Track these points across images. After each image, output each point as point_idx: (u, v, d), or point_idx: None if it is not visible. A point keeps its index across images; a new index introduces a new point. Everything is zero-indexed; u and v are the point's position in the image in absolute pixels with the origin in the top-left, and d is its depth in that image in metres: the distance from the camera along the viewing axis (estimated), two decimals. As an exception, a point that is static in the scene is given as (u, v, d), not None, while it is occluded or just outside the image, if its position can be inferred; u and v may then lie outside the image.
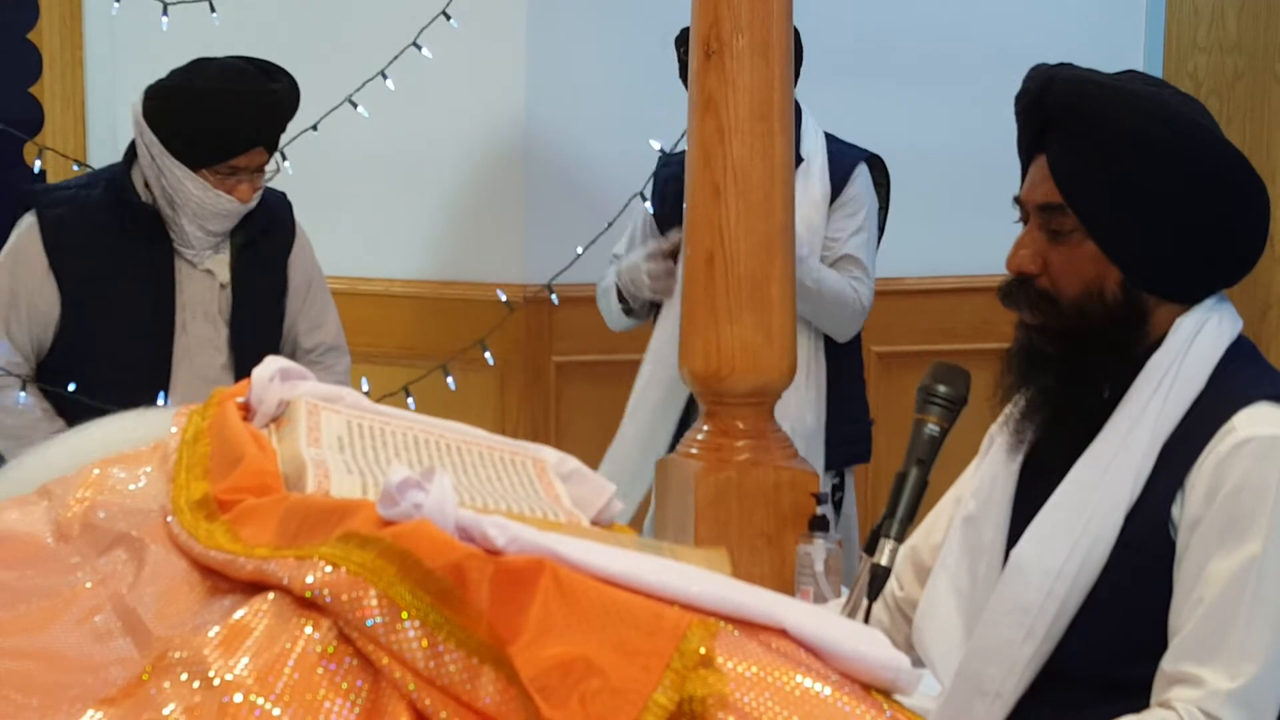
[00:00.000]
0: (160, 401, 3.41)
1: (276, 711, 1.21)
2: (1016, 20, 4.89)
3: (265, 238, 3.63)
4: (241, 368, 3.48)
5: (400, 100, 4.22)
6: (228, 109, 3.42)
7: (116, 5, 4.31)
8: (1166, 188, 2.08)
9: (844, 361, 4.09)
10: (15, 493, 1.68)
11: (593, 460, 1.75)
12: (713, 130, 2.89)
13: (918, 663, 2.20)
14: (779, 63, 2.90)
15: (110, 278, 3.48)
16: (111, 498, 1.61)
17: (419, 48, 4.20)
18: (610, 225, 4.17)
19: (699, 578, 1.30)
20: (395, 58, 4.18)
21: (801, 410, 3.93)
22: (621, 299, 4.04)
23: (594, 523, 1.63)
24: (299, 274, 3.71)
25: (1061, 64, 2.18)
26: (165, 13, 4.27)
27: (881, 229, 4.17)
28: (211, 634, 1.28)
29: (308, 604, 1.29)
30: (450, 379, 4.20)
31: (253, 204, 3.52)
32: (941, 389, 2.12)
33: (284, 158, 3.77)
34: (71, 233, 3.49)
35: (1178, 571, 2.05)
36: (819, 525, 2.84)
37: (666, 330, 3.82)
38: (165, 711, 1.23)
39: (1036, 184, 2.15)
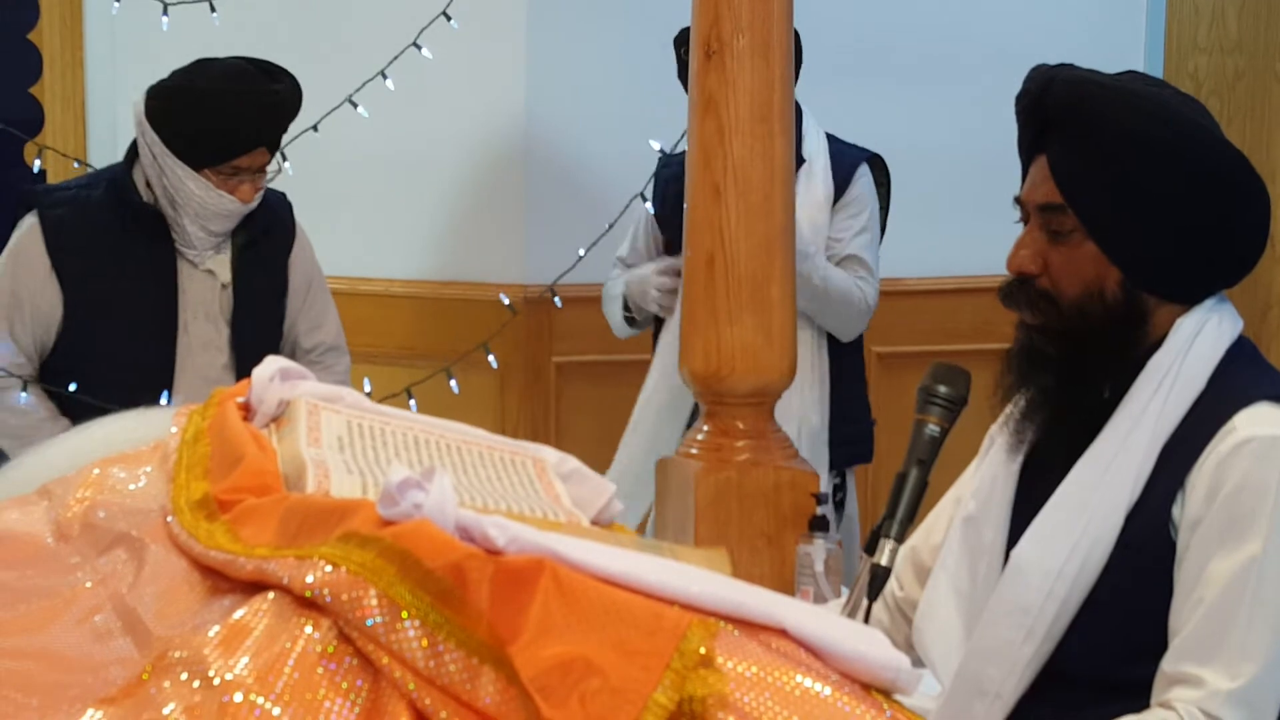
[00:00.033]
0: (163, 402, 3.41)
1: (276, 711, 1.21)
2: (1016, 20, 4.89)
3: (266, 238, 3.63)
4: (242, 368, 3.48)
5: (400, 100, 4.22)
6: (230, 109, 3.42)
7: (117, 5, 4.31)
8: (1167, 188, 2.08)
9: (846, 362, 4.09)
10: (15, 493, 1.68)
11: (592, 460, 1.75)
12: (713, 131, 2.89)
13: (918, 663, 2.20)
14: (779, 63, 2.90)
15: (113, 278, 3.48)
16: (111, 497, 1.61)
17: (419, 48, 4.20)
18: (611, 227, 4.17)
19: (699, 578, 1.30)
20: (395, 58, 4.18)
21: (806, 410, 3.95)
22: (625, 308, 4.05)
23: (594, 523, 1.63)
24: (299, 274, 3.71)
25: (1062, 64, 2.18)
26: (165, 13, 4.27)
27: (882, 229, 4.18)
28: (211, 634, 1.28)
29: (308, 604, 1.29)
30: (454, 382, 4.20)
31: (254, 204, 3.52)
32: (942, 389, 2.12)
33: (284, 158, 3.77)
34: (73, 233, 3.49)
35: (1178, 572, 2.05)
36: (819, 525, 2.84)
37: (672, 338, 3.83)
38: (165, 711, 1.23)
39: (1037, 184, 2.15)
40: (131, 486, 1.62)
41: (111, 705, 1.26)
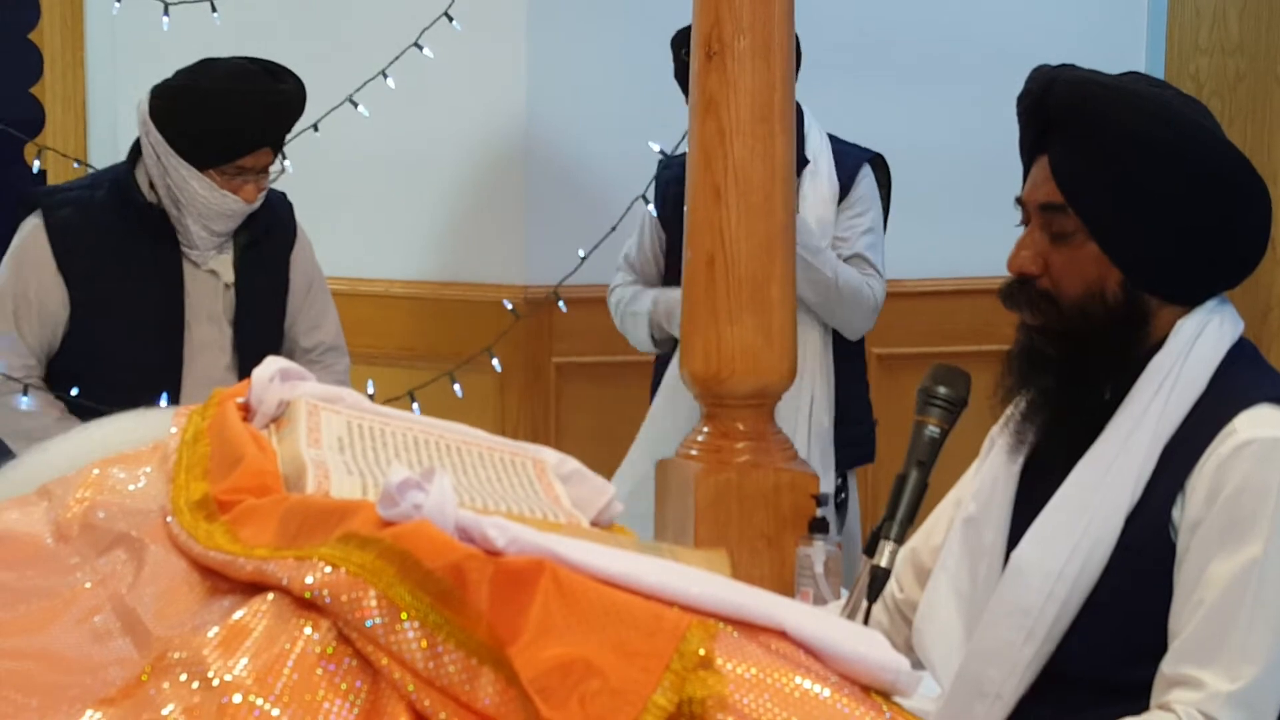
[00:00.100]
0: (163, 403, 3.41)
1: (275, 712, 1.21)
2: (1017, 21, 4.89)
3: (268, 238, 3.63)
4: (245, 368, 3.47)
5: (401, 100, 4.22)
6: (234, 109, 3.42)
7: (117, 5, 4.31)
8: (1168, 189, 2.08)
9: (848, 363, 4.10)
10: (15, 493, 1.68)
11: (592, 461, 1.75)
12: (714, 132, 2.89)
13: (917, 664, 2.20)
14: (780, 64, 2.90)
15: (118, 279, 3.48)
16: (111, 498, 1.60)
17: (420, 48, 4.19)
18: (614, 229, 4.17)
19: (699, 579, 1.30)
20: (396, 58, 4.18)
21: (817, 411, 3.96)
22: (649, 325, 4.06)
23: (594, 524, 1.63)
24: (300, 274, 3.71)
25: (1064, 65, 2.18)
26: (166, 13, 4.27)
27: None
28: (211, 634, 1.28)
29: (307, 604, 1.29)
30: (457, 386, 4.20)
31: (257, 204, 3.52)
32: (942, 391, 2.12)
33: (284, 157, 3.77)
34: (78, 234, 3.48)
35: (1178, 573, 2.05)
36: (819, 527, 2.84)
37: None
38: (164, 712, 1.23)
39: (1038, 185, 2.15)
40: (131, 487, 1.62)
41: (111, 706, 1.26)
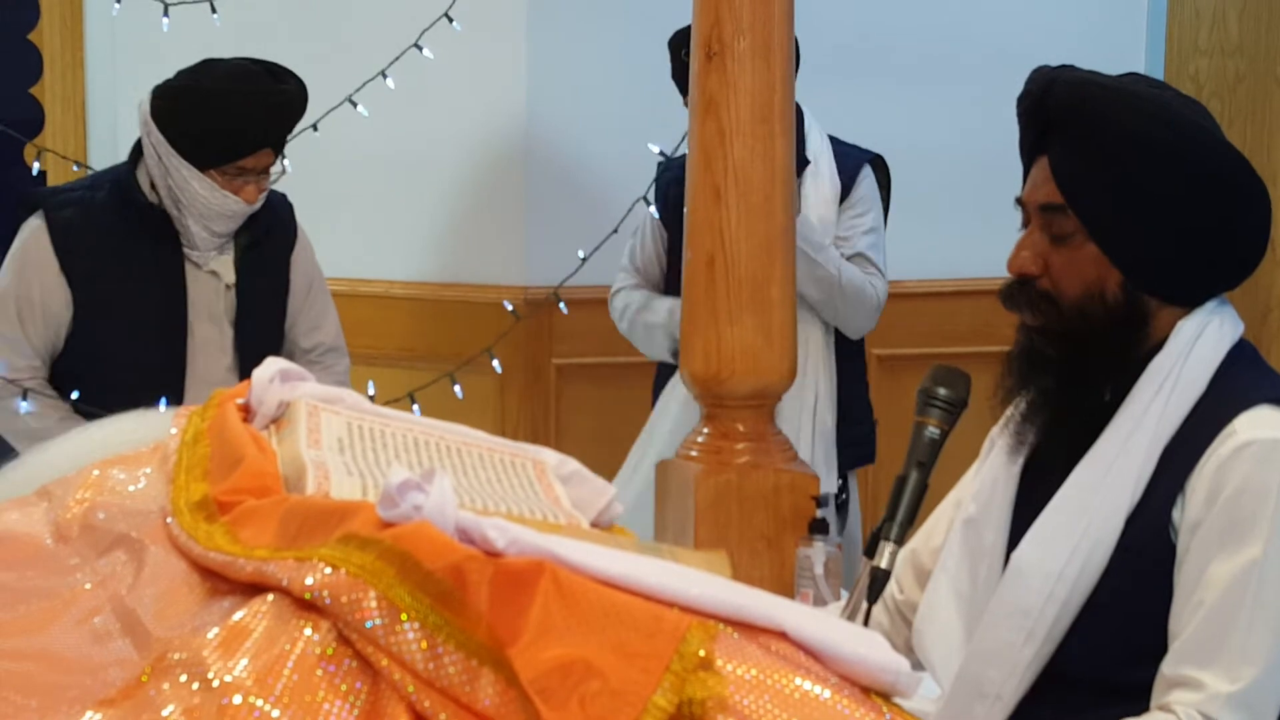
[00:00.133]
0: (163, 405, 3.40)
1: (275, 713, 1.21)
2: (1016, 21, 4.89)
3: (269, 238, 3.63)
4: (246, 370, 3.46)
5: (401, 101, 4.22)
6: (236, 110, 3.42)
7: (117, 6, 4.31)
8: (1168, 190, 2.08)
9: (849, 363, 4.11)
10: (15, 493, 1.68)
11: (592, 462, 1.75)
12: (714, 132, 2.89)
13: (917, 666, 2.20)
14: (780, 65, 2.90)
15: (120, 280, 3.48)
16: (111, 499, 1.60)
17: (420, 49, 4.19)
18: (616, 230, 4.17)
19: (699, 580, 1.30)
20: (396, 58, 4.18)
21: (821, 411, 3.97)
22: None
23: (594, 525, 1.63)
24: (300, 275, 3.71)
25: (1063, 66, 2.18)
26: (166, 13, 4.27)
27: (883, 230, 4.20)
28: (211, 635, 1.28)
29: (307, 605, 1.29)
30: (457, 387, 4.20)
31: (258, 205, 3.52)
32: (941, 392, 2.12)
33: (283, 158, 3.76)
34: (81, 235, 3.49)
35: (1178, 575, 2.05)
36: (819, 528, 2.84)
37: None
38: (164, 713, 1.23)
39: (1038, 185, 2.15)
40: (131, 488, 1.62)
41: (110, 707, 1.26)
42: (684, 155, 3.14)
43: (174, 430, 1.68)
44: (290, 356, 3.61)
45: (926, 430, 2.11)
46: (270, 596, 1.31)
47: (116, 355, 3.48)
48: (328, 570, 1.29)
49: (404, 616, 1.24)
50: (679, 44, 3.97)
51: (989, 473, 2.25)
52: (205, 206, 3.46)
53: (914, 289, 4.78)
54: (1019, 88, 2.19)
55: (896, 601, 2.37)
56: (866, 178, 4.10)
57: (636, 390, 4.36)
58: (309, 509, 1.42)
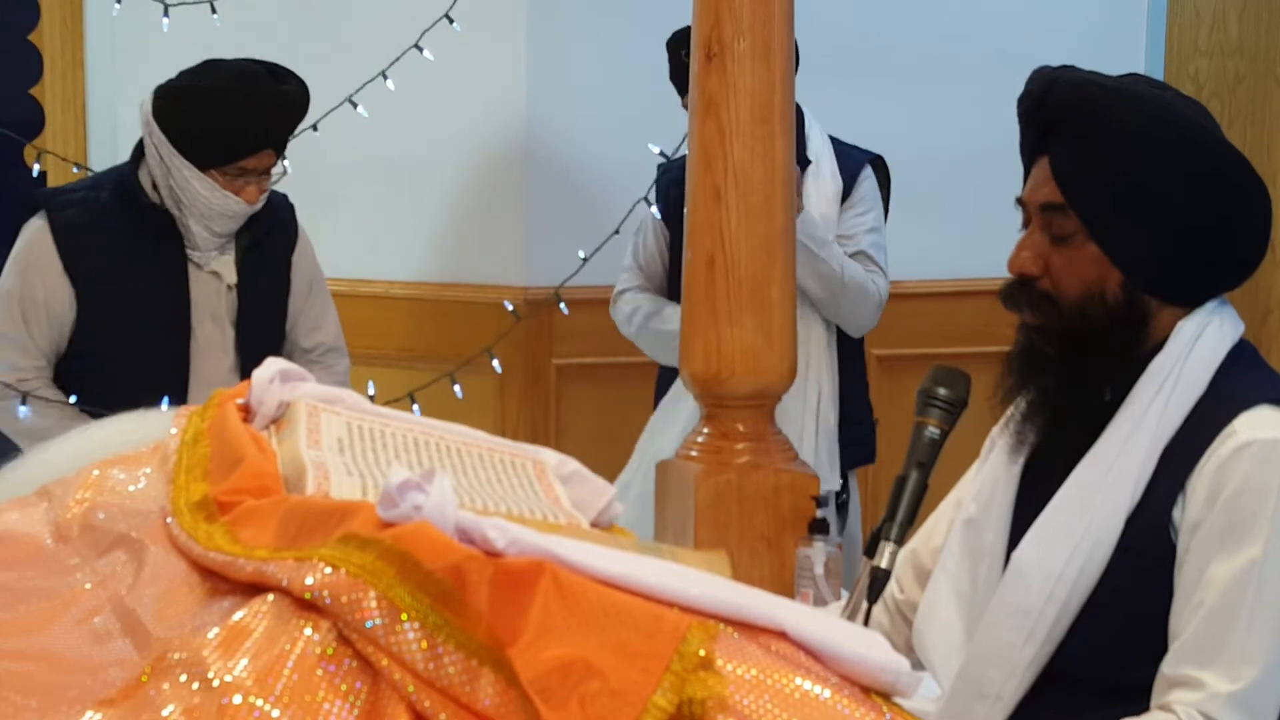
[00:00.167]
0: (164, 405, 3.41)
1: (276, 713, 1.21)
2: (1016, 21, 4.89)
3: (270, 239, 3.63)
4: (247, 370, 3.46)
5: (401, 101, 4.22)
6: (237, 110, 3.42)
7: (117, 7, 4.31)
8: (1169, 190, 2.08)
9: (848, 363, 4.12)
10: (15, 494, 1.68)
11: (592, 462, 1.75)
12: (713, 133, 2.89)
13: (918, 665, 2.20)
14: (780, 65, 2.90)
15: (123, 280, 3.48)
16: (111, 499, 1.60)
17: (420, 50, 4.19)
18: (617, 231, 4.16)
19: (699, 580, 1.30)
20: (396, 59, 4.18)
21: (824, 408, 3.98)
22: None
23: (594, 525, 1.63)
24: (301, 275, 3.71)
25: (1064, 66, 2.18)
26: (166, 14, 4.27)
27: (882, 232, 4.20)
28: (211, 635, 1.28)
29: (307, 605, 1.29)
30: (458, 387, 4.19)
31: (259, 205, 3.53)
32: (941, 392, 2.12)
33: (284, 158, 3.76)
34: (84, 235, 3.49)
35: (1178, 575, 2.05)
36: (819, 528, 2.84)
37: None
38: (164, 713, 1.23)
39: (1039, 185, 2.15)
40: (131, 488, 1.62)
41: (110, 707, 1.26)
42: (684, 156, 3.14)
43: (174, 430, 1.68)
44: (290, 356, 3.61)
45: (926, 430, 2.11)
46: (270, 596, 1.31)
47: (120, 356, 3.48)
48: (328, 570, 1.29)
49: (404, 616, 1.24)
50: (677, 44, 3.98)
51: (989, 473, 2.25)
52: (206, 207, 3.46)
53: (914, 289, 4.78)
54: (1019, 88, 2.19)
55: (897, 601, 2.37)
56: (868, 178, 4.11)
57: (637, 390, 4.36)
58: (309, 509, 1.42)
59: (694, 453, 2.97)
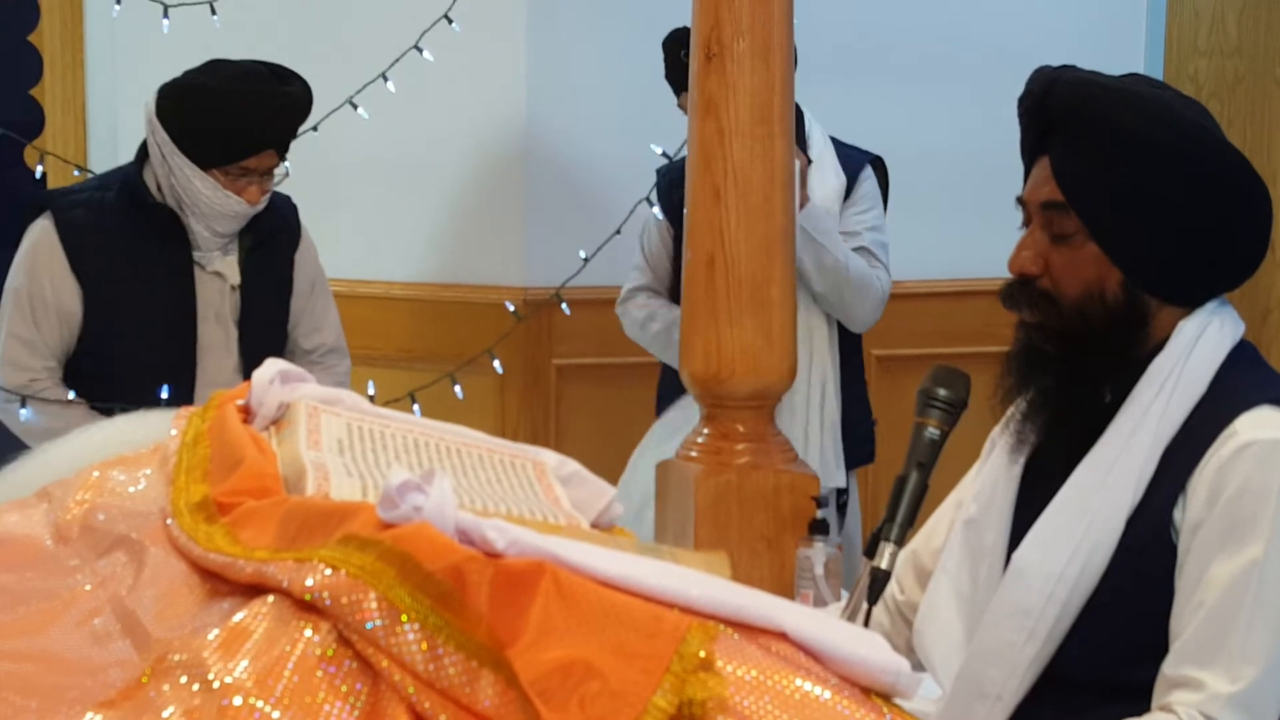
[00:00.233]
0: (165, 404, 3.41)
1: (276, 714, 1.21)
2: (1016, 22, 4.90)
3: (273, 240, 3.64)
4: (250, 371, 3.47)
5: (401, 102, 4.22)
6: (240, 110, 3.43)
7: (117, 7, 4.31)
8: (1169, 190, 2.08)
9: (848, 362, 4.12)
10: (15, 495, 1.68)
11: (592, 463, 1.75)
12: (713, 133, 2.89)
13: (918, 666, 2.20)
14: (779, 66, 2.90)
15: (129, 279, 3.49)
16: (111, 500, 1.60)
17: (420, 51, 4.19)
18: (619, 231, 4.16)
19: (699, 581, 1.30)
20: (396, 60, 4.18)
21: (829, 404, 3.99)
22: None
23: (594, 526, 1.63)
24: (303, 276, 3.72)
25: (1065, 66, 2.18)
26: (166, 15, 4.27)
27: (881, 232, 4.20)
28: (211, 636, 1.28)
29: (307, 607, 1.29)
30: (458, 387, 4.19)
31: (261, 206, 3.53)
32: (941, 392, 2.12)
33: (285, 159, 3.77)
34: (90, 234, 3.49)
35: (1179, 575, 2.05)
36: (819, 529, 2.83)
37: None
38: (164, 714, 1.23)
39: (1039, 185, 2.15)
40: (131, 489, 1.62)
41: (110, 708, 1.26)
42: (684, 157, 3.14)
43: (174, 431, 1.68)
44: (291, 357, 3.61)
45: (926, 431, 2.11)
46: (270, 598, 1.31)
47: (126, 355, 3.49)
48: (328, 571, 1.29)
49: (404, 617, 1.24)
50: (673, 44, 3.99)
51: (990, 473, 2.25)
52: (208, 206, 3.47)
53: (914, 289, 4.78)
54: (1019, 88, 2.19)
55: (897, 602, 2.37)
56: (869, 177, 4.13)
57: (637, 391, 4.37)
58: (309, 510, 1.42)
59: (694, 453, 2.97)
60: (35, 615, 1.45)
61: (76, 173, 4.40)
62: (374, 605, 1.25)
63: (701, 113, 2.91)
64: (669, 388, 4.04)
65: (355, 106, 4.19)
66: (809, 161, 3.99)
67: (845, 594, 2.67)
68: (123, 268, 3.48)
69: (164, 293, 3.50)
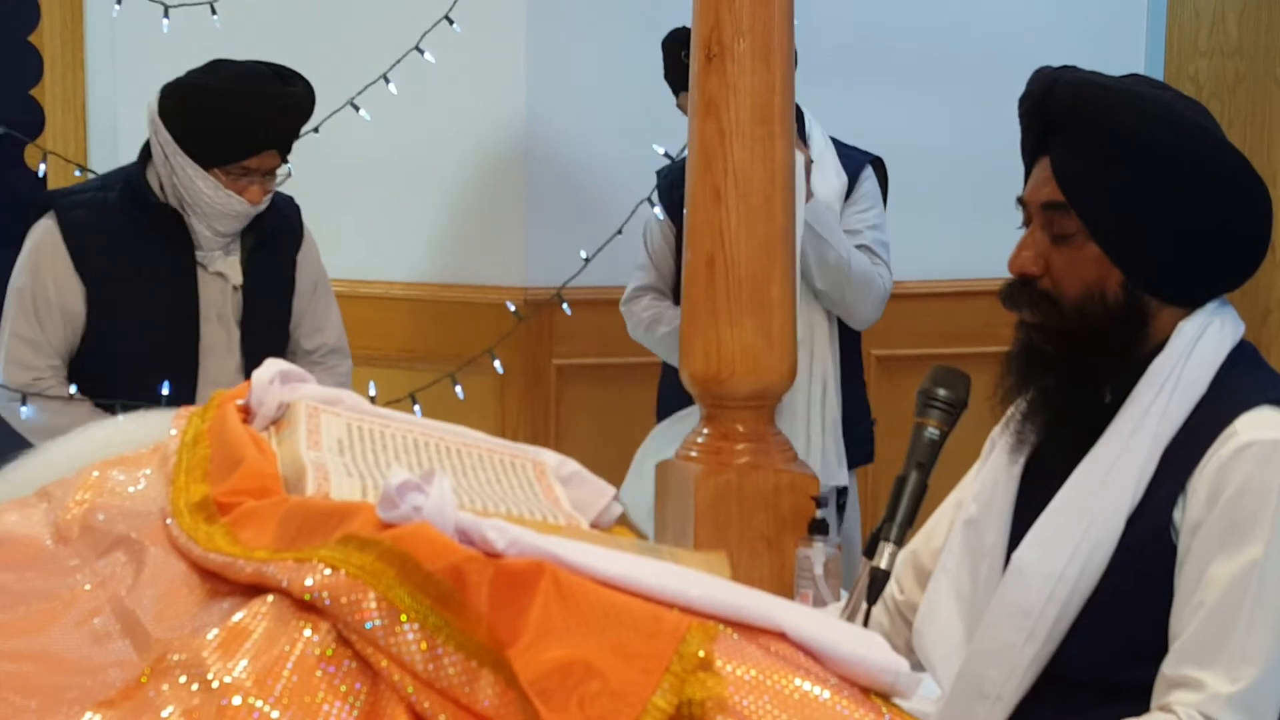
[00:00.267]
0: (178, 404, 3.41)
1: (275, 714, 1.21)
2: (1016, 22, 4.90)
3: (275, 240, 3.64)
4: (252, 371, 3.47)
5: (401, 103, 4.22)
6: (242, 109, 3.43)
7: (117, 8, 4.31)
8: (1169, 190, 2.08)
9: (847, 362, 4.12)
10: (15, 495, 1.68)
11: (592, 463, 1.75)
12: (713, 133, 2.89)
13: (917, 666, 2.20)
14: (780, 66, 2.90)
15: (132, 279, 3.49)
16: (111, 500, 1.61)
17: (421, 52, 4.19)
18: (620, 231, 4.16)
19: (698, 581, 1.30)
20: (397, 62, 4.18)
21: (830, 401, 3.99)
22: None
23: (593, 526, 1.63)
24: (305, 276, 3.72)
25: (1065, 66, 2.18)
26: (166, 15, 4.27)
27: (882, 232, 4.21)
28: (210, 636, 1.28)
29: (307, 606, 1.29)
30: (459, 387, 4.19)
31: (262, 206, 3.53)
32: (941, 393, 2.12)
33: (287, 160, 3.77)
34: (93, 234, 3.50)
35: (1179, 575, 2.05)
36: (818, 529, 2.84)
37: None
38: (164, 714, 1.23)
39: (1040, 185, 2.15)
40: (131, 489, 1.62)
41: (110, 708, 1.26)
42: (685, 157, 3.14)
43: (174, 431, 1.68)
44: (293, 357, 3.62)
45: (926, 431, 2.11)
46: (270, 598, 1.31)
47: (129, 356, 3.49)
48: (327, 571, 1.29)
49: (404, 617, 1.24)
50: (672, 43, 3.99)
51: (990, 474, 2.25)
52: (209, 206, 3.47)
53: (914, 289, 4.78)
54: (1019, 88, 2.19)
55: (897, 602, 2.37)
56: (869, 177, 4.14)
57: (637, 391, 4.37)
58: (308, 510, 1.42)
59: (694, 453, 2.97)
60: (35, 615, 1.45)
61: (78, 172, 4.40)
62: (373, 605, 1.25)
63: (702, 113, 2.91)
64: (670, 388, 4.04)
65: (357, 108, 4.19)
66: (811, 160, 3.99)
67: (845, 594, 2.67)
68: (125, 268, 3.49)
69: (167, 293, 3.51)
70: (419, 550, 1.27)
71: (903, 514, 2.06)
